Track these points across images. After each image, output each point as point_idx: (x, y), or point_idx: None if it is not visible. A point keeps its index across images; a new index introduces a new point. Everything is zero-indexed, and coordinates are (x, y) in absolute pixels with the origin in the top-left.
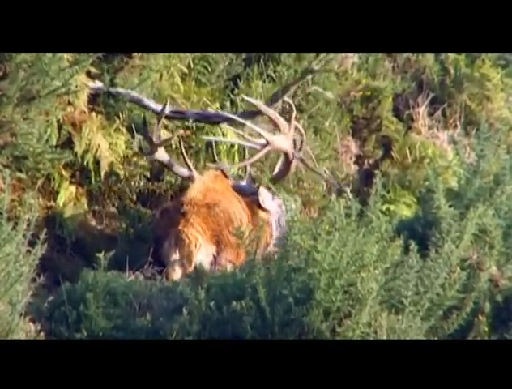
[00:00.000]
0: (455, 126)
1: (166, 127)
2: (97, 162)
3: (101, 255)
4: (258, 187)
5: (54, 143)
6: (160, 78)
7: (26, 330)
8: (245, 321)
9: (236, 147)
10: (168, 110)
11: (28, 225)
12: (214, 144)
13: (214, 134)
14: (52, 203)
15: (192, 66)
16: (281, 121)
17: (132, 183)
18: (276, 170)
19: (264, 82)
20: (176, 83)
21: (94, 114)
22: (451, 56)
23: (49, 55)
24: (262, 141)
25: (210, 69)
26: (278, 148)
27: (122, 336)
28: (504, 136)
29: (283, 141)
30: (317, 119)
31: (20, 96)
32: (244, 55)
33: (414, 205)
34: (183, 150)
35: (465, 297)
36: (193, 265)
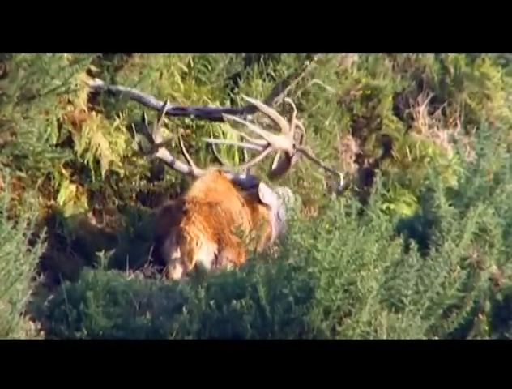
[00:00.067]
0: (455, 125)
1: (166, 126)
2: (97, 161)
3: (101, 254)
4: (258, 181)
5: (54, 142)
6: (160, 76)
7: (26, 329)
8: (245, 320)
9: (236, 145)
10: (169, 107)
11: (28, 224)
12: (214, 143)
13: (214, 134)
14: (52, 202)
15: (192, 64)
16: (282, 121)
17: (132, 182)
18: (275, 165)
19: (264, 81)
20: (176, 82)
21: (94, 113)
22: (451, 55)
23: (49, 54)
24: (263, 142)
25: (210, 68)
26: (279, 149)
27: (122, 335)
28: (504, 135)
29: (284, 141)
30: (318, 118)
31: (20, 94)
32: (244, 54)
33: (414, 204)
34: (183, 148)
35: (465, 295)
36: (193, 263)
